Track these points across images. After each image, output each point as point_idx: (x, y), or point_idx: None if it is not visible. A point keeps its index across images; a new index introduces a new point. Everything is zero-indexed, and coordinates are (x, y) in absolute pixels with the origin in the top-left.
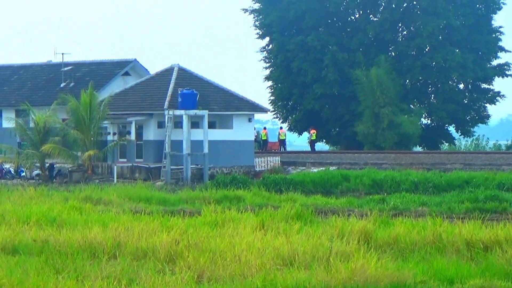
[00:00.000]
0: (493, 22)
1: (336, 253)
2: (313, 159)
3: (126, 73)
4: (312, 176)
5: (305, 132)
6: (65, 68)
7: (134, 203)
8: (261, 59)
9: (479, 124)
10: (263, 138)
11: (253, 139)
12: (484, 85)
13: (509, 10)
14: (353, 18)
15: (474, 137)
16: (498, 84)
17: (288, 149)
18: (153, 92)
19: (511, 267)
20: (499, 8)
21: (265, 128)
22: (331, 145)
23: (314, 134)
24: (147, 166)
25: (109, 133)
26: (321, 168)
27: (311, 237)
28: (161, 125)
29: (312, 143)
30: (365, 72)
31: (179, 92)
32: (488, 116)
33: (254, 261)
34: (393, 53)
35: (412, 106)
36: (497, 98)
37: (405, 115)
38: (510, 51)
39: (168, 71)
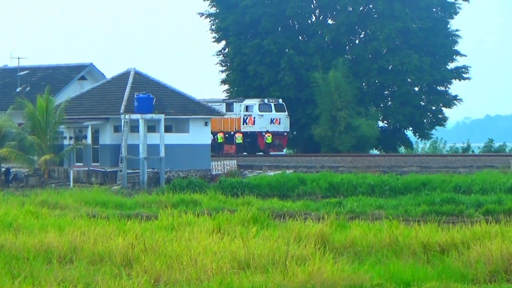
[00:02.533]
0: (450, 26)
1: (293, 257)
2: (270, 163)
3: (82, 78)
4: (269, 180)
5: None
6: (21, 73)
7: (91, 207)
8: (218, 63)
9: (436, 127)
10: (219, 141)
11: (210, 142)
12: (441, 88)
13: (466, 15)
14: (309, 21)
15: (432, 140)
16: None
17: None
18: (110, 97)
19: (467, 269)
20: (456, 13)
21: (222, 132)
22: (288, 149)
23: (269, 137)
24: (104, 170)
25: (65, 138)
26: (278, 172)
27: (267, 240)
28: (117, 129)
29: (267, 146)
30: (322, 75)
31: (135, 96)
32: (445, 119)
33: (211, 264)
34: (349, 57)
35: (369, 109)
36: (454, 101)
37: (362, 118)
38: (465, 55)
39: (124, 75)
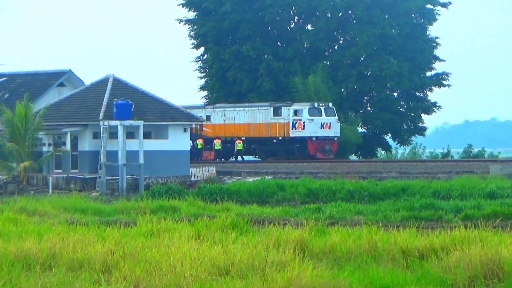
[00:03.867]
0: (428, 32)
1: (272, 262)
2: (249, 169)
3: (61, 84)
4: (248, 186)
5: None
6: (0, 79)
7: (70, 214)
8: (196, 69)
9: (416, 134)
10: (198, 147)
11: (189, 149)
12: (420, 94)
13: (445, 22)
14: (288, 27)
15: (412, 146)
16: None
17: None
18: (88, 103)
19: (446, 274)
20: (434, 19)
21: (201, 137)
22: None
23: (240, 144)
24: (83, 177)
25: (44, 144)
26: (257, 178)
27: (247, 246)
28: (96, 135)
29: (237, 153)
30: (302, 80)
31: (114, 102)
32: (424, 128)
33: (190, 271)
34: (328, 62)
35: (348, 115)
36: (433, 108)
37: (343, 124)
38: (444, 60)
39: (103, 82)
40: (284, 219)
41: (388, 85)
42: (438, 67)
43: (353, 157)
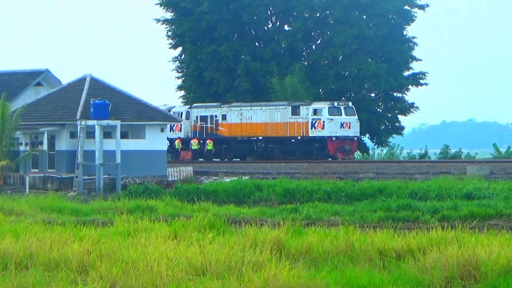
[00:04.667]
0: (406, 33)
1: (249, 263)
2: (226, 169)
3: (39, 84)
4: (225, 186)
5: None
6: None
7: (46, 213)
8: (174, 69)
9: (394, 135)
10: (176, 147)
11: (166, 149)
12: (397, 94)
13: (422, 22)
14: (266, 28)
15: (390, 147)
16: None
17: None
18: (66, 103)
19: (423, 275)
20: (412, 20)
21: (179, 138)
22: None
23: (210, 144)
24: (60, 176)
25: (21, 144)
26: (234, 178)
27: (223, 247)
28: (73, 135)
29: (208, 153)
30: (279, 81)
31: (91, 102)
32: (402, 128)
33: (166, 271)
34: (306, 63)
35: None
36: (411, 109)
37: None
38: (421, 59)
39: (81, 82)
40: (261, 220)
41: (366, 85)
42: (416, 67)
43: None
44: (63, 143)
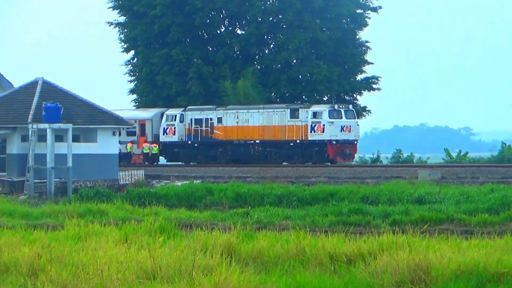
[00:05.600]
0: (359, 37)
1: (199, 267)
2: (178, 173)
3: None
4: (176, 190)
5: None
6: None
7: None
8: (126, 73)
9: None
10: (128, 151)
11: (118, 152)
12: (349, 98)
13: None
14: (218, 31)
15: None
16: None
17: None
18: (17, 106)
19: (374, 280)
20: (365, 24)
21: (132, 142)
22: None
23: (156, 148)
24: (11, 179)
25: None
26: (185, 182)
27: (174, 250)
28: (25, 138)
29: (153, 157)
30: (232, 84)
31: (43, 105)
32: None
33: (117, 275)
34: (259, 67)
35: None
36: (363, 113)
37: None
38: (372, 63)
39: (33, 85)
40: (212, 223)
41: (319, 89)
42: (369, 71)
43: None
44: (15, 147)
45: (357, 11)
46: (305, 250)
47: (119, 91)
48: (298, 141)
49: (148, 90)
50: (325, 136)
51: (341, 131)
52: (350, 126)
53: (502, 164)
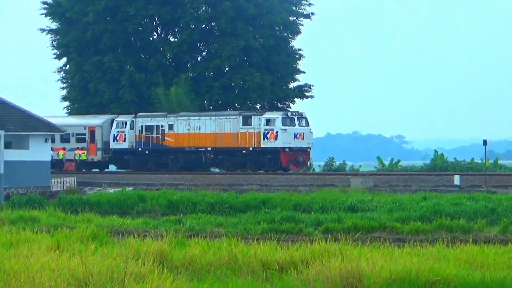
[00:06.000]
0: (292, 44)
1: (131, 274)
2: (110, 180)
3: None
4: (108, 197)
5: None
6: None
7: None
8: (58, 80)
9: None
10: (60, 158)
11: (50, 159)
12: (282, 106)
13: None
14: (151, 38)
15: None
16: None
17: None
18: None
19: (305, 287)
20: (298, 32)
21: (64, 149)
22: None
23: (84, 154)
24: None
25: None
26: (118, 189)
27: (106, 258)
28: None
29: (81, 164)
30: (164, 91)
31: None
32: None
33: (48, 282)
34: (192, 74)
35: None
36: None
37: None
38: (304, 72)
39: None
40: (144, 231)
41: (251, 97)
42: (302, 79)
43: (214, 169)
44: None
45: (290, 18)
46: (237, 258)
47: (52, 98)
48: (250, 149)
49: (81, 97)
50: (278, 144)
51: (294, 139)
52: (303, 134)
53: (435, 172)
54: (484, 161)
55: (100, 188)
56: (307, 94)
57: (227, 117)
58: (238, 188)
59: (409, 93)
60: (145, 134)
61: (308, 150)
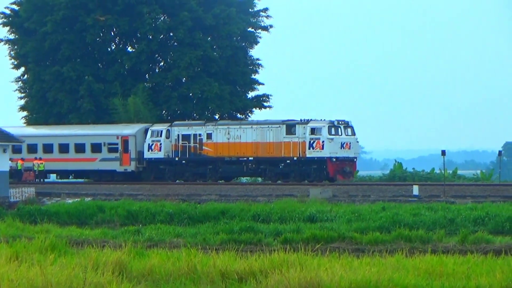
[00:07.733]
0: (250, 55)
1: (90, 284)
2: (68, 190)
3: None
4: (67, 207)
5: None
6: None
7: None
8: (16, 89)
9: None
10: (19, 168)
11: (8, 169)
12: (241, 116)
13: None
14: (109, 49)
15: None
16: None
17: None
18: None
19: None
20: (256, 42)
21: (22, 159)
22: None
23: (42, 165)
24: None
25: None
26: (76, 199)
27: (65, 268)
28: None
29: (40, 174)
30: (122, 101)
31: None
32: None
33: None
34: (150, 84)
35: None
36: None
37: None
38: (263, 84)
39: None
40: (103, 241)
41: (210, 107)
42: (260, 89)
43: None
44: None
45: (249, 29)
46: (196, 268)
47: (10, 108)
48: (295, 158)
49: (39, 107)
50: (324, 153)
51: (341, 148)
52: (350, 143)
53: (393, 183)
54: (443, 171)
55: (59, 199)
56: (265, 104)
57: (270, 126)
58: (197, 199)
59: (368, 104)
60: (182, 143)
61: (355, 160)
